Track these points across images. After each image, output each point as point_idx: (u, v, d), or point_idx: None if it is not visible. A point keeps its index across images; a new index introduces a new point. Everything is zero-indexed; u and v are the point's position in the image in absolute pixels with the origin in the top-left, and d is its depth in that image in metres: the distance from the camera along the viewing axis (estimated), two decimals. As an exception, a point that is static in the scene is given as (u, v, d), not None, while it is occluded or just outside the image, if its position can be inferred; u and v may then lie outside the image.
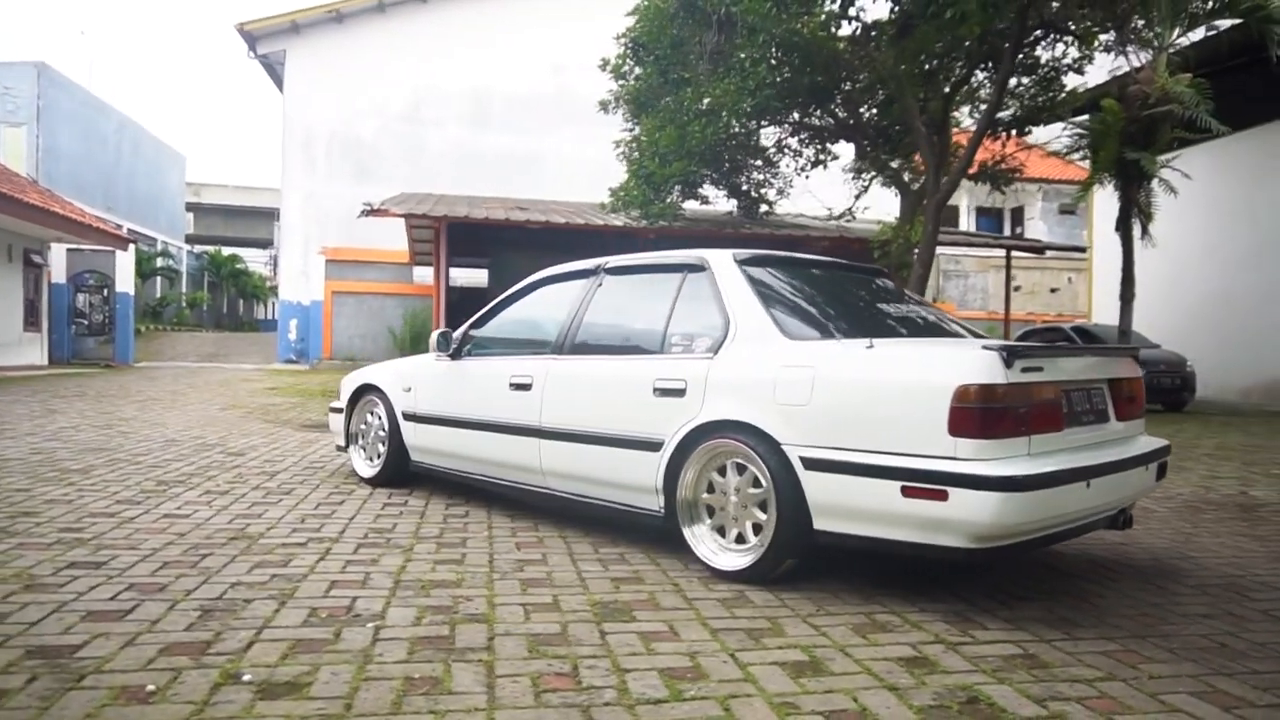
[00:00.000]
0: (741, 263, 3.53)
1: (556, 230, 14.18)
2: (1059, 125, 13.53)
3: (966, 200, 27.51)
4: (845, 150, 14.35)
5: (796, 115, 11.55)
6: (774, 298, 3.40)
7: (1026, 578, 3.28)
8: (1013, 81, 13.34)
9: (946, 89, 11.80)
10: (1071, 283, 23.87)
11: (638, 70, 12.31)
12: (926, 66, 10.98)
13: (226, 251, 35.82)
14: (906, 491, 2.71)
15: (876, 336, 3.30)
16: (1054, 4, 10.34)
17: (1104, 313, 15.16)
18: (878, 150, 11.79)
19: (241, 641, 2.39)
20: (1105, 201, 13.68)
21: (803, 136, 13.51)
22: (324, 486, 4.93)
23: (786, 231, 13.25)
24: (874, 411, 2.84)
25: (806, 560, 3.09)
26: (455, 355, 4.56)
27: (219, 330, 31.88)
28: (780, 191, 14.37)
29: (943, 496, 2.64)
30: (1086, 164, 15.94)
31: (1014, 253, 17.62)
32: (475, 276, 21.05)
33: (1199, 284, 14.13)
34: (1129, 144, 11.67)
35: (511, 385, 4.09)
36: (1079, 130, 13.45)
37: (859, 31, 10.72)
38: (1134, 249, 11.96)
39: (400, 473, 4.89)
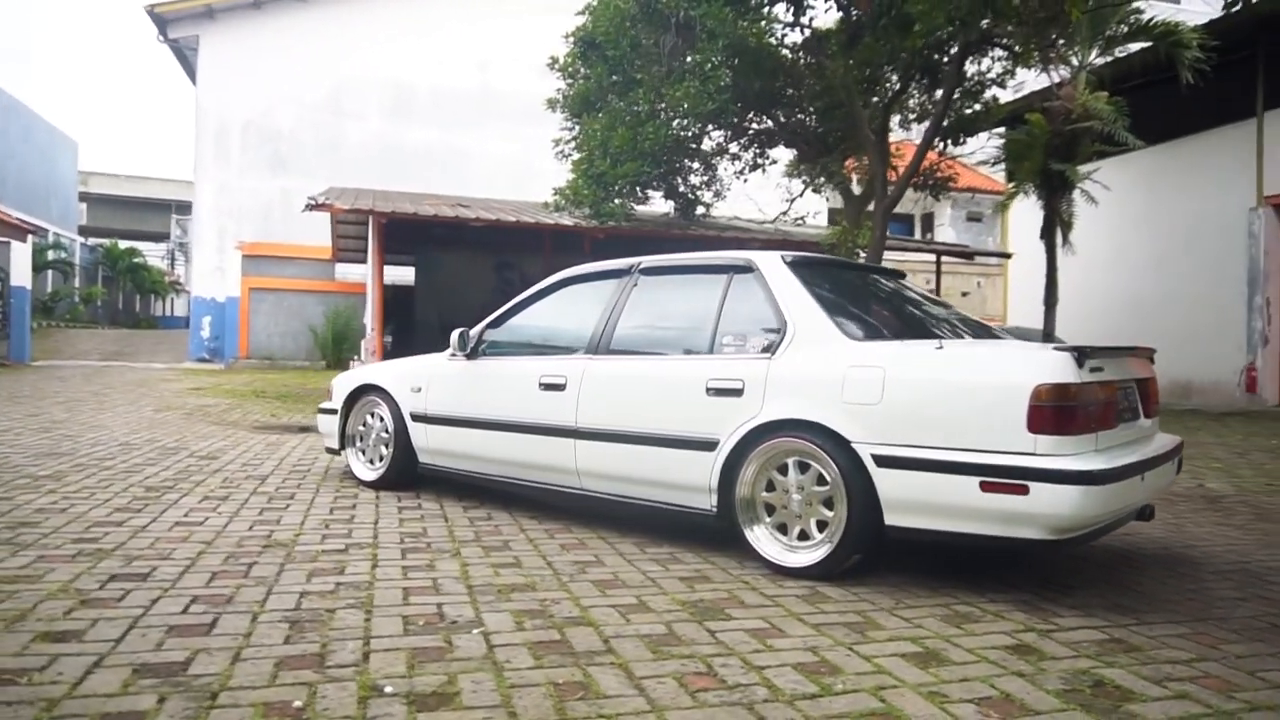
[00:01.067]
0: (790, 265, 3.60)
1: (492, 229, 13.94)
2: (980, 136, 14.20)
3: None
4: (782, 154, 14.69)
5: (736, 119, 11.74)
6: (826, 299, 3.47)
7: (1059, 569, 3.45)
8: (939, 93, 13.93)
9: (875, 98, 12.21)
10: (980, 287, 25.01)
11: (583, 70, 12.27)
12: (869, 74, 11.32)
13: (124, 244, 33.84)
14: (985, 486, 2.82)
15: (920, 337, 3.45)
16: (986, 22, 10.84)
17: (1020, 316, 15.94)
18: (821, 156, 12.09)
19: (354, 653, 2.31)
20: (1023, 210, 14.41)
21: (743, 140, 13.74)
22: (324, 490, 4.75)
23: (733, 233, 13.45)
24: (949, 410, 2.94)
25: (870, 555, 3.17)
26: (471, 355, 4.47)
27: (116, 327, 30.10)
28: (717, 194, 14.58)
29: (1023, 491, 2.76)
30: (1002, 175, 16.81)
31: (927, 257, 18.34)
32: (400, 274, 20.55)
33: (1107, 289, 15.01)
34: (1053, 156, 12.36)
35: (542, 385, 4.04)
36: (1003, 142, 14.17)
37: (808, 39, 10.97)
38: (1057, 256, 12.66)
39: (405, 475, 4.77)
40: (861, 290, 3.90)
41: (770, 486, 3.33)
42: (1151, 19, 11.65)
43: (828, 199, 19.43)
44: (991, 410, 2.85)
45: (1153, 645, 2.54)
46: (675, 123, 11.33)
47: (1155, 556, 3.73)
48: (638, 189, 11.68)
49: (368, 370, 5.09)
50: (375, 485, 4.83)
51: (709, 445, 3.44)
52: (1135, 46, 12.50)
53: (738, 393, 3.38)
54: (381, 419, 4.86)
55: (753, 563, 3.37)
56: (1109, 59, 12.74)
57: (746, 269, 3.66)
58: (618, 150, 10.84)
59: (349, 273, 19.83)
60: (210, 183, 19.44)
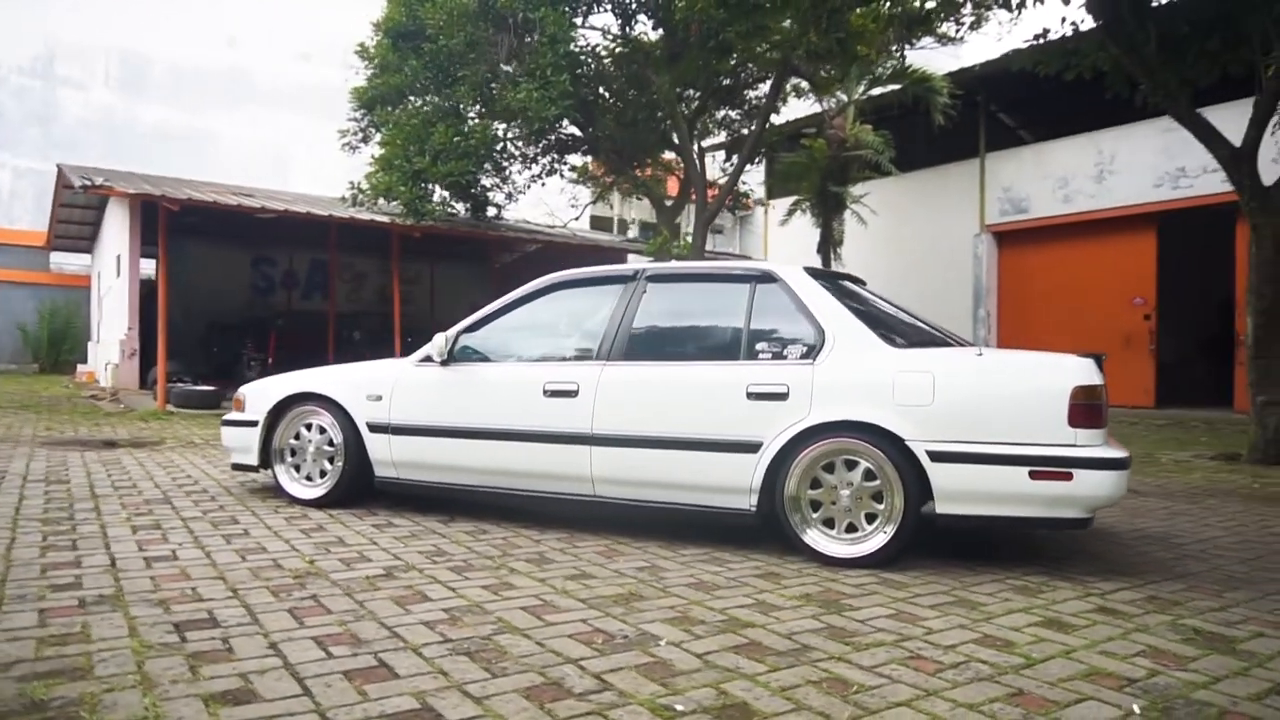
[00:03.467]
0: (812, 275, 3.83)
1: (259, 220, 12.45)
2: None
3: (634, 214, 29.80)
4: (573, 160, 14.97)
5: (575, 126, 11.86)
6: (855, 308, 3.74)
7: (1031, 546, 4.00)
8: (722, 114, 15.00)
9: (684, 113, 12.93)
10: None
11: (385, 61, 11.70)
12: (682, 92, 11.93)
13: None
14: (1035, 475, 3.24)
15: (927, 342, 3.85)
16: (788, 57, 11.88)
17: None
18: (630, 165, 12.50)
19: (585, 678, 2.19)
20: (790, 226, 15.87)
21: (541, 145, 13.84)
22: (261, 511, 4.24)
23: (545, 236, 13.45)
24: (999, 409, 3.33)
25: (913, 542, 3.49)
26: (447, 362, 4.22)
27: None
28: (510, 196, 14.55)
29: (1068, 477, 3.21)
30: (761, 193, 18.35)
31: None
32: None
33: (858, 299, 16.92)
34: (828, 179, 13.79)
35: (547, 392, 3.93)
36: (772, 163, 15.53)
37: (631, 50, 11.31)
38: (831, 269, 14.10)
39: (355, 492, 4.38)
40: (866, 298, 4.21)
41: (815, 484, 3.54)
42: (909, 65, 13.37)
43: (611, 206, 20.02)
44: (1037, 409, 3.29)
45: (1183, 599, 3.08)
46: (496, 124, 11.18)
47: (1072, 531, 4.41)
48: (464, 189, 11.34)
49: (298, 377, 4.58)
50: (317, 504, 4.38)
51: (751, 447, 3.57)
52: (893, 87, 14.28)
53: (782, 397, 3.55)
54: (323, 430, 4.42)
55: (794, 555, 3.56)
56: (870, 95, 14.44)
57: (769, 279, 3.84)
58: (439, 147, 10.45)
59: (68, 263, 17.16)
60: (-126, 148, 15.89)
